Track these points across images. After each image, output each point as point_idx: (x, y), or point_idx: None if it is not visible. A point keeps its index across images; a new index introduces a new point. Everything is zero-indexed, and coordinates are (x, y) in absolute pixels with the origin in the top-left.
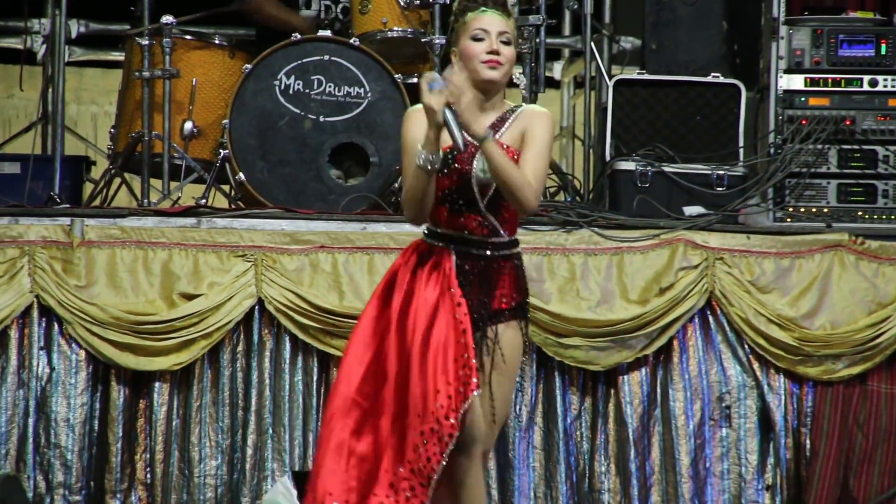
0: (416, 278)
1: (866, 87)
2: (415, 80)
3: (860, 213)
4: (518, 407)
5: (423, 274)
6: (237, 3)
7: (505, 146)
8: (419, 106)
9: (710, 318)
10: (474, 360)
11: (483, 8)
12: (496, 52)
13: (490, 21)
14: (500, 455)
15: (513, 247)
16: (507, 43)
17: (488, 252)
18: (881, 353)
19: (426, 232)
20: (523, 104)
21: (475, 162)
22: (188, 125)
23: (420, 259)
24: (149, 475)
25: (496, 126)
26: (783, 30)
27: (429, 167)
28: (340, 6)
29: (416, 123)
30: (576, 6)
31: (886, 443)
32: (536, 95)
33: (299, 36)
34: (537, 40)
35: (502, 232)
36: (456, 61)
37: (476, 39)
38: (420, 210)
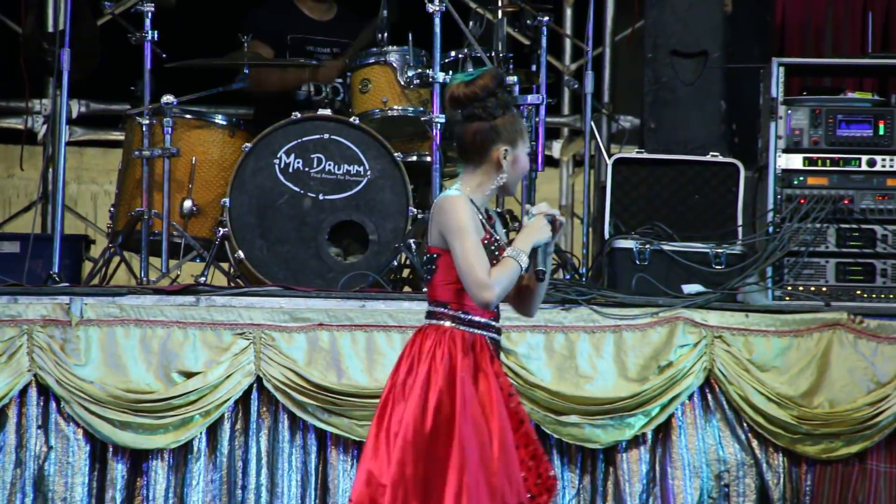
0: (480, 369)
1: (864, 167)
2: (414, 158)
3: (859, 292)
4: None
5: (485, 364)
6: (240, 81)
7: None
8: (459, 194)
9: (709, 396)
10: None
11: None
12: None
13: None
14: None
15: None
16: None
17: (497, 335)
18: (880, 431)
19: (461, 320)
20: None
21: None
22: (187, 203)
23: (470, 351)
24: None
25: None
26: (782, 109)
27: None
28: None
29: (467, 210)
30: (575, 86)
31: None
32: (536, 174)
33: (299, 115)
34: (537, 119)
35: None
36: (503, 161)
37: (527, 155)
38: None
